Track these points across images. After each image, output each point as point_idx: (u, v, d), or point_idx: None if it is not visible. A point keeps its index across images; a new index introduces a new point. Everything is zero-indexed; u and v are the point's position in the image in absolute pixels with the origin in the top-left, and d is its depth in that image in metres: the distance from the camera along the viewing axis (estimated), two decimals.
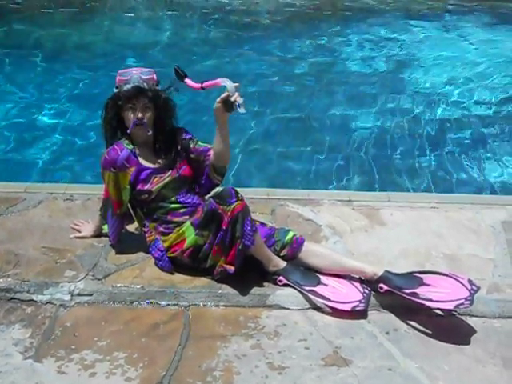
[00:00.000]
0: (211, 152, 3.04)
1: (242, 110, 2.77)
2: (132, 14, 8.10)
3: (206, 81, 2.87)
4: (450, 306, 2.72)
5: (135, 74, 2.90)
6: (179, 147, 3.06)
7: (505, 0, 8.55)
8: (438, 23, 8.04)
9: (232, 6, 8.33)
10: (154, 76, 2.96)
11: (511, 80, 6.59)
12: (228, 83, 2.80)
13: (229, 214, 2.77)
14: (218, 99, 2.85)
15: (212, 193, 3.02)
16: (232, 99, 2.79)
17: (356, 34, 7.70)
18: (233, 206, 2.78)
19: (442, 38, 7.67)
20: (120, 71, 2.95)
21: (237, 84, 2.81)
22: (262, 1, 8.37)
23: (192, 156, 3.07)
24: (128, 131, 2.94)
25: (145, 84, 2.89)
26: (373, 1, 8.57)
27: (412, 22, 8.04)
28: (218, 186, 3.06)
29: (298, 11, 8.22)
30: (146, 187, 2.97)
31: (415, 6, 8.46)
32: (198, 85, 2.89)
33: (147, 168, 2.99)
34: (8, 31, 7.65)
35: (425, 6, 8.43)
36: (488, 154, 5.30)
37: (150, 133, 2.97)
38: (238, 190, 2.87)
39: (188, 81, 2.93)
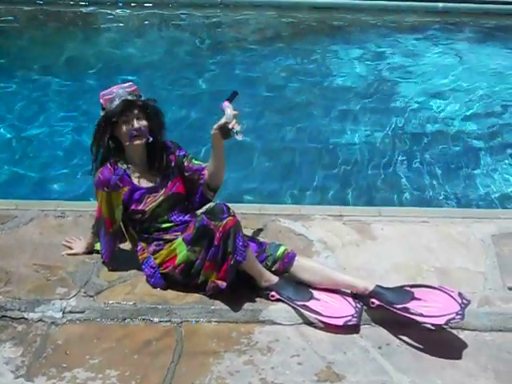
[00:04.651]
0: (205, 171, 3.06)
1: (239, 137, 2.81)
2: (120, 30, 8.16)
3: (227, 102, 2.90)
4: (441, 321, 2.73)
5: (119, 90, 2.92)
6: (173, 164, 3.07)
7: (492, 15, 8.68)
8: (426, 38, 8.14)
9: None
10: (136, 87, 2.98)
11: (499, 94, 6.66)
12: (228, 110, 2.83)
13: (221, 229, 2.78)
14: (215, 126, 2.89)
15: (204, 208, 3.04)
16: (230, 126, 2.82)
17: (345, 49, 7.77)
18: (225, 222, 2.79)
19: (430, 53, 7.75)
20: (102, 93, 2.95)
21: (235, 112, 2.85)
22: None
23: (186, 174, 3.09)
24: (127, 143, 2.95)
25: (131, 96, 2.92)
26: (363, 16, 8.66)
27: (400, 36, 8.13)
28: (210, 201, 3.08)
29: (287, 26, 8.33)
30: (140, 207, 2.98)
31: (404, 20, 8.56)
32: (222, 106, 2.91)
33: (140, 188, 3.00)
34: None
35: (412, 21, 8.53)
36: (477, 168, 5.34)
37: (151, 139, 2.97)
38: (230, 205, 2.89)
39: (225, 102, 2.91)
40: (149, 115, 2.96)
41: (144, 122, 2.94)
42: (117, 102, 2.89)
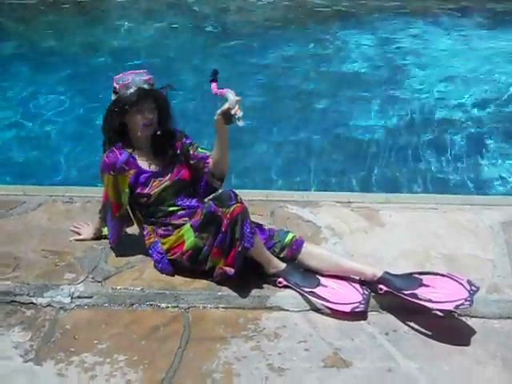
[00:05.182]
0: (210, 160, 3.05)
1: (240, 123, 2.80)
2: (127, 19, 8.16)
3: (222, 88, 2.88)
4: (449, 306, 2.72)
5: (135, 77, 2.89)
6: (178, 151, 3.07)
7: (501, 0, 8.59)
8: (436, 23, 8.07)
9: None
10: (151, 76, 2.95)
11: (508, 80, 6.59)
12: (230, 96, 2.82)
13: (228, 216, 2.77)
14: (219, 111, 2.87)
15: (211, 195, 3.03)
16: (232, 112, 2.81)
17: (353, 35, 7.71)
18: (232, 209, 2.78)
19: (440, 38, 7.68)
20: (116, 77, 2.92)
21: (238, 98, 2.83)
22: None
23: (191, 162, 3.08)
24: (139, 133, 2.93)
25: (146, 85, 2.90)
26: (370, 1, 8.58)
27: (410, 21, 8.06)
28: (217, 189, 3.07)
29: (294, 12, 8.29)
30: (146, 191, 2.97)
31: (413, 5, 8.49)
32: (215, 90, 2.90)
33: (146, 171, 2.99)
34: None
35: (422, 6, 8.45)
36: (486, 155, 5.30)
37: (159, 132, 2.97)
38: (237, 191, 2.88)
39: (212, 84, 2.92)
40: (160, 106, 2.95)
41: (155, 113, 2.92)
42: (132, 89, 2.85)
